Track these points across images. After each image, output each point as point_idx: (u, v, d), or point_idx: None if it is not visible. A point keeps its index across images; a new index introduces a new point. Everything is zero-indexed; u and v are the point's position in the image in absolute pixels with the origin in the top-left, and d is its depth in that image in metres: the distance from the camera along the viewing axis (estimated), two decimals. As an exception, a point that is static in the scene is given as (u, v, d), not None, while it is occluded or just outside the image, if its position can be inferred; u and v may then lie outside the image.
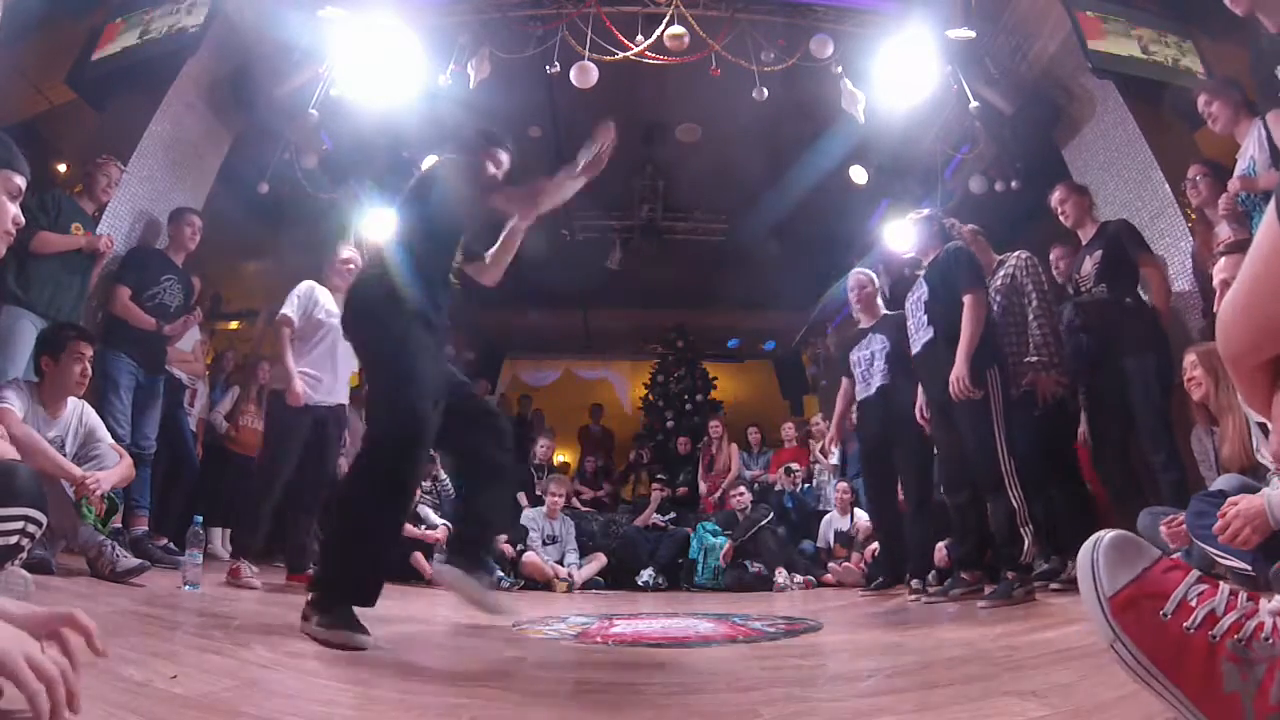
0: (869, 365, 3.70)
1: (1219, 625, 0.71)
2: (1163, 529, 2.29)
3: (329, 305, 3.47)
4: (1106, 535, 0.79)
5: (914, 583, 3.38)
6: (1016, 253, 3.54)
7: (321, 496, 3.46)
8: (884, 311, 3.80)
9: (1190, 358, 2.44)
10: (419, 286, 2.00)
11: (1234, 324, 0.62)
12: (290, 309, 3.38)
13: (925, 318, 3.06)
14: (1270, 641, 0.68)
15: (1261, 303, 0.58)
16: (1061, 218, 3.59)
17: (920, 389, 3.26)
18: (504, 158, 2.37)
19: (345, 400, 3.60)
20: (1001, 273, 3.51)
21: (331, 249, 3.73)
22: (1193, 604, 0.73)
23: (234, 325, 6.91)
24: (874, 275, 3.93)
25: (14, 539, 1.86)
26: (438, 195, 2.13)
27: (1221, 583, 0.76)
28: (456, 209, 2.14)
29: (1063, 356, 3.37)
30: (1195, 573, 0.76)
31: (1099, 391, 3.38)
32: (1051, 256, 3.84)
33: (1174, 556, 2.46)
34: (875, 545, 4.56)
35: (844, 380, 3.99)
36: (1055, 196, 3.61)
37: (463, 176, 2.18)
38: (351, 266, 3.60)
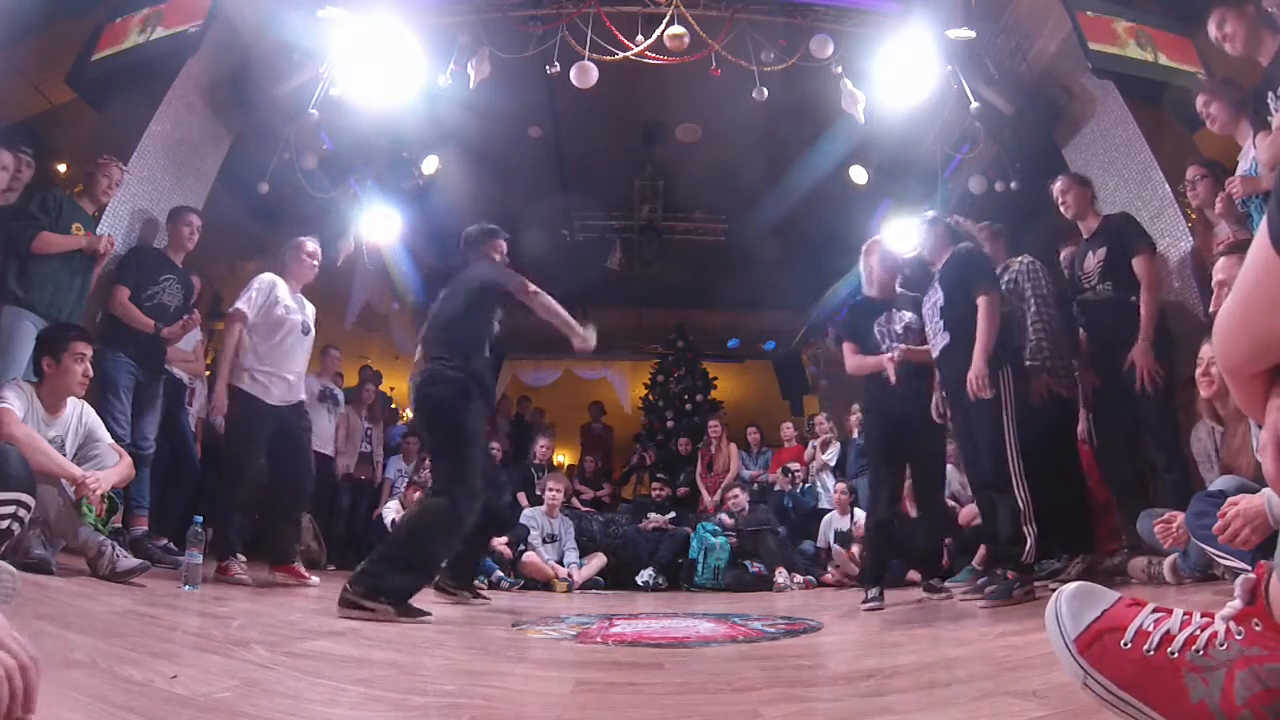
0: (898, 338, 3.39)
1: (1175, 642, 0.75)
2: (1156, 529, 2.28)
3: (288, 300, 3.39)
4: (1068, 587, 0.86)
5: (933, 581, 3.37)
6: (1020, 257, 3.53)
7: (302, 490, 3.50)
8: (899, 290, 3.52)
9: (1208, 351, 2.35)
10: (475, 376, 2.68)
11: (1230, 336, 0.63)
12: (245, 303, 3.25)
13: (941, 323, 3.03)
14: (1225, 646, 0.72)
15: (1256, 317, 0.59)
16: (1062, 209, 3.56)
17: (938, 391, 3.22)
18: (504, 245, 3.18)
19: (303, 396, 3.57)
20: (1006, 277, 3.51)
21: (290, 240, 3.65)
22: (1149, 629, 0.77)
23: (234, 325, 6.90)
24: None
25: (5, 523, 1.87)
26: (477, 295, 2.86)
27: (1176, 608, 0.79)
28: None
29: (1058, 361, 3.35)
30: (1151, 605, 0.80)
31: (1103, 391, 3.38)
32: (1061, 257, 3.78)
33: (1172, 557, 2.46)
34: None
35: (849, 344, 3.43)
36: (1057, 187, 3.58)
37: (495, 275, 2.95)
38: (315, 262, 3.57)
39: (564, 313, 2.86)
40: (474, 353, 2.76)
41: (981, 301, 2.87)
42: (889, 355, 3.20)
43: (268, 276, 3.38)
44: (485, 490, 2.61)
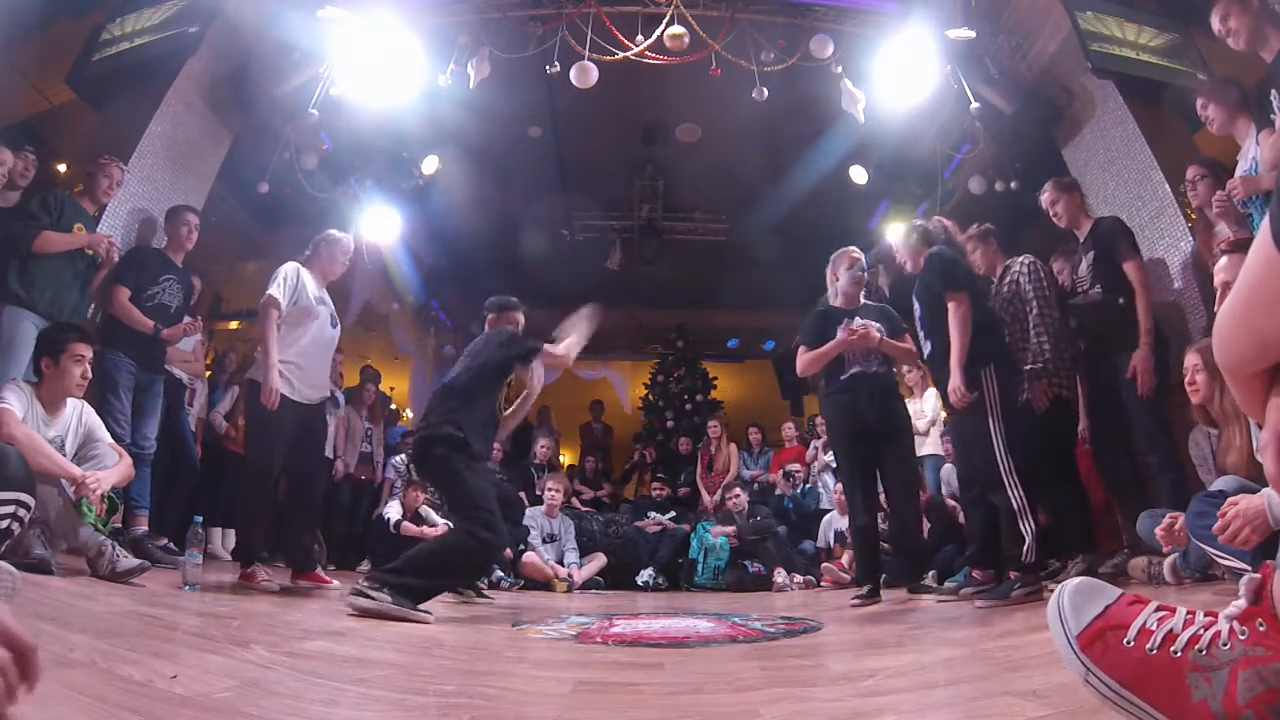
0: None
1: (1178, 641, 0.75)
2: (1158, 532, 2.28)
3: (314, 290, 3.24)
4: (1071, 581, 0.85)
5: (925, 581, 3.39)
6: (1021, 258, 3.51)
7: (316, 493, 3.37)
8: (864, 301, 3.49)
9: (1192, 359, 2.38)
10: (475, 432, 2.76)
11: (1230, 335, 0.62)
12: (277, 290, 3.08)
13: (923, 333, 3.09)
14: (1229, 646, 0.71)
15: (1257, 316, 0.59)
16: (1054, 219, 3.56)
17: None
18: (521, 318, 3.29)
19: (327, 394, 3.41)
20: (1007, 278, 3.48)
21: (324, 233, 3.48)
22: (1152, 628, 0.77)
23: (234, 325, 6.91)
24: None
25: (5, 523, 1.87)
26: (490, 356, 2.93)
27: (1179, 606, 0.79)
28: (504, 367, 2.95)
29: (1060, 362, 3.35)
30: (1154, 603, 0.80)
31: (1097, 393, 3.38)
32: (1055, 267, 3.80)
33: (1172, 557, 2.46)
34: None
35: (803, 347, 3.43)
36: (1045, 197, 3.56)
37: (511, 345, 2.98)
38: (347, 260, 3.46)
39: (577, 344, 3.04)
40: (479, 414, 2.84)
41: (950, 306, 2.87)
42: (847, 328, 3.20)
43: (293, 265, 3.21)
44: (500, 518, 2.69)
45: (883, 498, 3.36)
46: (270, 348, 3.03)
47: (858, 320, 3.27)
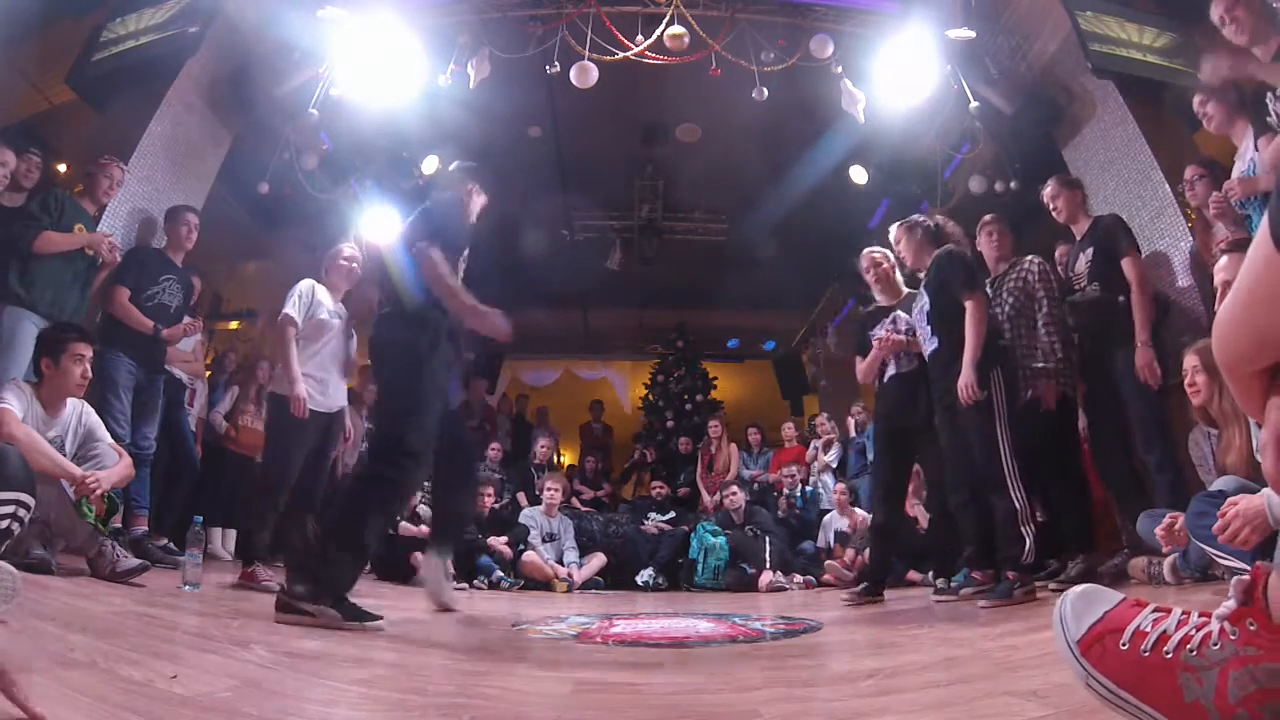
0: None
1: (1170, 642, 0.76)
2: (1158, 532, 2.28)
3: (330, 305, 3.39)
4: (1074, 589, 0.88)
5: (939, 582, 3.40)
6: (1029, 257, 3.51)
7: (319, 496, 3.41)
8: (905, 290, 3.53)
9: (1191, 360, 2.38)
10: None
11: (1230, 332, 0.63)
12: (293, 309, 3.25)
13: (929, 329, 3.06)
14: (1220, 646, 0.73)
15: (1257, 314, 0.59)
16: (1054, 213, 3.56)
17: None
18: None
19: (344, 403, 3.52)
20: (1014, 276, 3.47)
21: (332, 246, 3.64)
22: (1146, 630, 0.79)
23: (234, 325, 6.92)
24: (888, 253, 3.58)
25: (5, 523, 1.87)
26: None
27: (1174, 607, 0.81)
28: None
29: (1067, 361, 3.34)
30: (1152, 605, 0.82)
31: (1095, 392, 3.37)
32: (1057, 254, 3.80)
33: (1172, 557, 2.45)
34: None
35: (858, 356, 3.57)
36: (1047, 192, 3.57)
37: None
38: (355, 266, 3.54)
39: (471, 304, 2.46)
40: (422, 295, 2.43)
41: (968, 306, 2.88)
42: (878, 340, 3.34)
43: (307, 282, 3.37)
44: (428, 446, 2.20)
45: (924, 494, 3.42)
46: (291, 362, 3.18)
47: (882, 330, 3.37)
